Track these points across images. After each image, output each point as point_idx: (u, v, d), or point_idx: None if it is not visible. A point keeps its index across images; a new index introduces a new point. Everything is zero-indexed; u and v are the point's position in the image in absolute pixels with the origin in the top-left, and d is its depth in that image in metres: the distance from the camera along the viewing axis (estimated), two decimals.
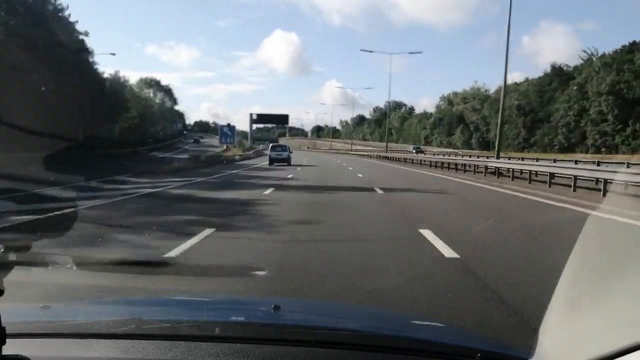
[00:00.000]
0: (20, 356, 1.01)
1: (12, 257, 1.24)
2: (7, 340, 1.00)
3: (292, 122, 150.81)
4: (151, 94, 77.13)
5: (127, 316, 1.41)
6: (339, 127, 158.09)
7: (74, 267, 3.05)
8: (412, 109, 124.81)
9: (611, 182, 13.09)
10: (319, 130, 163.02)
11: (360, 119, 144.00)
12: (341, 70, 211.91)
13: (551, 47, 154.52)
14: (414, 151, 59.74)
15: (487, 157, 27.58)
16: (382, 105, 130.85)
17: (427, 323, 1.78)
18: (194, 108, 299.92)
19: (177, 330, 1.27)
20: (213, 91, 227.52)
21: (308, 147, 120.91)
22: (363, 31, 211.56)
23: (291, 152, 38.32)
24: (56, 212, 8.80)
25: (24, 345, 1.12)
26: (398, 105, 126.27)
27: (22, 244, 1.38)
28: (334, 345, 1.21)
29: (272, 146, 38.11)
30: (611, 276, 1.32)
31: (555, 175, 16.09)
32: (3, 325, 1.00)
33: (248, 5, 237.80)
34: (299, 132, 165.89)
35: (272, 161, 35.11)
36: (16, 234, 6.62)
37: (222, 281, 4.19)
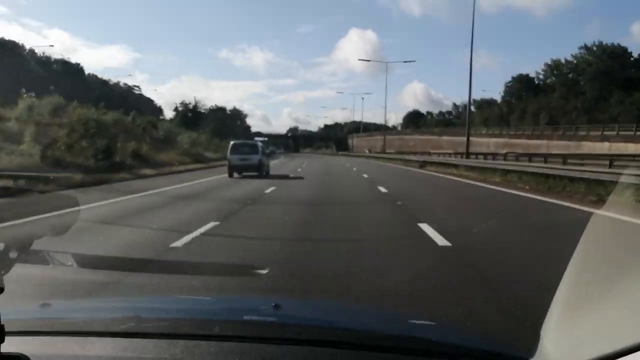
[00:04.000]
0: (20, 354, 1.01)
1: (13, 254, 1.24)
2: (6, 338, 0.99)
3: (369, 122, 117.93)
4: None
5: (127, 314, 1.40)
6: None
7: (75, 265, 3.06)
8: None
9: None
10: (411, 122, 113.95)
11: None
12: (424, 68, 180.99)
13: None
14: None
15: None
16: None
17: (428, 323, 1.77)
18: (276, 114, 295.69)
19: (177, 329, 1.27)
20: (295, 97, 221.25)
21: (386, 156, 55.95)
22: (447, 21, 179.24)
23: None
24: None
25: (23, 343, 1.12)
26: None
27: (22, 242, 1.37)
28: (334, 344, 1.20)
29: (233, 145, 21.98)
30: (613, 276, 1.32)
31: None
32: (2, 323, 0.99)
33: (328, 11, 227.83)
34: (376, 128, 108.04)
35: (233, 170, 21.04)
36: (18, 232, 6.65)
37: (222, 279, 4.19)
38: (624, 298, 1.15)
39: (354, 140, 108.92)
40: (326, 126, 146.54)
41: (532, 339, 1.18)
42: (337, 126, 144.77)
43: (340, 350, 1.18)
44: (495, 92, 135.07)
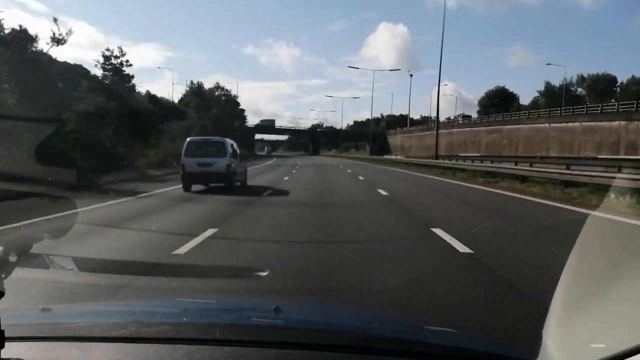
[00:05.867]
0: (20, 359, 1.00)
1: (13, 258, 1.24)
2: (6, 343, 0.99)
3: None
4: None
5: (127, 319, 1.40)
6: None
7: (75, 269, 3.06)
8: None
9: None
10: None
11: None
12: (456, 68, 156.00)
13: None
14: None
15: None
16: None
17: (429, 325, 1.77)
18: (304, 115, 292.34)
19: (178, 333, 1.27)
20: (323, 98, 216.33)
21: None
22: (484, 12, 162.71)
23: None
24: None
25: (24, 349, 1.11)
26: None
27: (22, 245, 1.37)
28: (335, 348, 1.20)
29: (189, 144, 15.44)
30: (612, 277, 1.32)
31: None
32: (2, 328, 0.99)
33: (358, 6, 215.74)
34: (421, 121, 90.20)
35: (189, 180, 14.65)
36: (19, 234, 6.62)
37: (223, 282, 4.18)
38: (624, 299, 1.15)
39: (398, 140, 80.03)
40: (357, 123, 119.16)
41: (534, 341, 1.18)
42: (374, 122, 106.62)
43: (341, 353, 1.18)
44: None
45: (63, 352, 1.19)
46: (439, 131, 41.44)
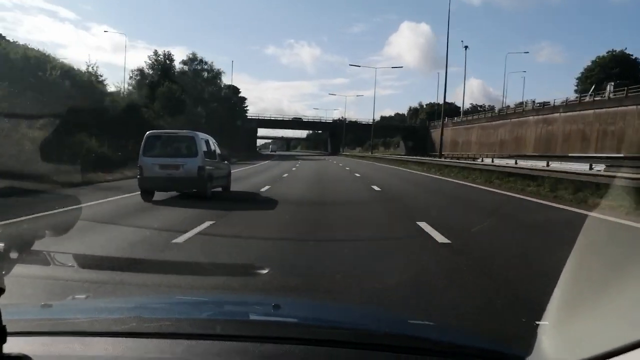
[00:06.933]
0: (22, 355, 1.01)
1: (14, 255, 1.25)
2: (7, 338, 1.00)
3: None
4: None
5: (128, 314, 1.41)
6: None
7: (75, 266, 3.07)
8: None
9: None
10: None
11: None
12: (481, 63, 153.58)
13: None
14: None
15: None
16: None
17: (426, 322, 1.78)
18: (328, 115, 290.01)
19: (178, 329, 1.27)
20: (347, 97, 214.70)
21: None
22: (510, 8, 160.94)
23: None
24: None
25: (25, 344, 1.12)
26: None
27: (23, 242, 1.38)
28: (334, 343, 1.21)
29: (147, 139, 11.64)
30: (609, 276, 1.33)
31: None
32: (4, 323, 1.00)
33: (379, 8, 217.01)
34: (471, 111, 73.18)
35: (148, 186, 11.28)
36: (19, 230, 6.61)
37: (223, 279, 4.20)
38: (620, 297, 1.16)
39: (448, 134, 53.07)
40: (384, 118, 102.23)
41: (530, 337, 1.19)
42: (411, 113, 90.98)
43: (340, 349, 1.19)
44: None
45: (64, 347, 1.20)
46: (528, 117, 30.50)
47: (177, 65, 53.48)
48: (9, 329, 1.01)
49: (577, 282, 1.39)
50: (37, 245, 1.40)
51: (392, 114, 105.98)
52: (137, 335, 1.22)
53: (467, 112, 67.15)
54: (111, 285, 3.86)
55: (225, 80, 62.82)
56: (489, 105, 65.92)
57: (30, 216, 7.93)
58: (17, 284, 1.27)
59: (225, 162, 13.60)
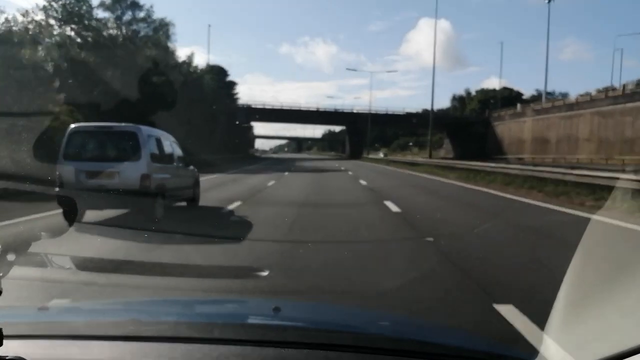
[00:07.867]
0: (18, 358, 1.00)
1: (11, 257, 1.24)
2: (4, 341, 0.99)
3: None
4: None
5: (126, 317, 1.40)
6: None
7: (73, 268, 3.06)
8: None
9: None
10: None
11: None
12: (503, 62, 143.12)
13: None
14: None
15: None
16: None
17: (430, 325, 1.76)
18: (346, 105, 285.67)
19: (176, 332, 1.26)
20: (366, 97, 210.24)
21: None
22: (535, 1, 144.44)
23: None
24: None
25: (22, 347, 1.11)
26: None
27: (20, 244, 1.37)
28: (334, 347, 1.20)
29: (70, 135, 7.92)
30: (614, 278, 1.32)
31: None
32: (1, 326, 0.99)
33: (398, 6, 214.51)
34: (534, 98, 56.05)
35: (70, 203, 7.06)
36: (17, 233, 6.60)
37: (222, 282, 4.18)
38: (625, 300, 1.15)
39: (528, 127, 40.98)
40: (410, 114, 65.95)
41: (535, 341, 1.18)
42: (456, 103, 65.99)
43: (340, 353, 1.17)
44: None
45: (61, 351, 1.19)
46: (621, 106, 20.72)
47: (99, 13, 32.03)
48: (5, 332, 0.99)
49: (582, 285, 1.38)
50: (34, 247, 1.39)
51: (421, 110, 78.49)
52: (135, 338, 1.21)
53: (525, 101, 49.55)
54: (109, 287, 3.84)
55: (232, 78, 50.53)
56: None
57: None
58: (14, 286, 1.25)
59: (191, 167, 10.49)
